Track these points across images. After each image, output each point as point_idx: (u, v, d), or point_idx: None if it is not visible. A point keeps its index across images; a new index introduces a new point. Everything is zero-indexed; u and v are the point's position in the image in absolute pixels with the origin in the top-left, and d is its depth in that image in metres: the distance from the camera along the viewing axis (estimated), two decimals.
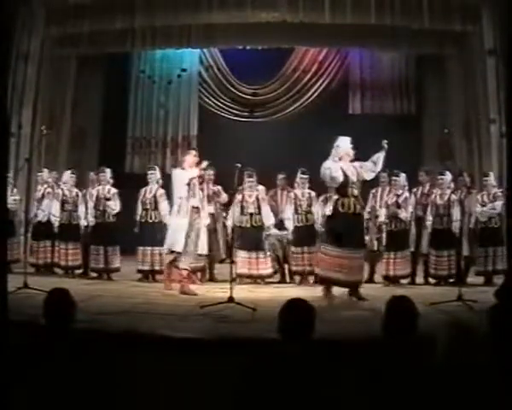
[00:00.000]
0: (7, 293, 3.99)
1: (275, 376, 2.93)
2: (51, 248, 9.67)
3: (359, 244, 7.58)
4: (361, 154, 12.37)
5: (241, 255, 8.86)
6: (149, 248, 9.15)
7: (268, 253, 9.05)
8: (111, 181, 9.52)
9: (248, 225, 8.97)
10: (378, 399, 2.96)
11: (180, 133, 13.78)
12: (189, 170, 7.97)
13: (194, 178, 7.94)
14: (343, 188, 7.55)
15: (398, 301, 3.31)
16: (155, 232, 9.20)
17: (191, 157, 8.04)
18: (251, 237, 8.91)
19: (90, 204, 9.35)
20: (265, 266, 9.01)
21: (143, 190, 9.39)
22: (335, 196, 7.63)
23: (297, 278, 9.23)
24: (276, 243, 9.24)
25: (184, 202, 7.86)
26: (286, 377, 2.93)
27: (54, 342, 3.18)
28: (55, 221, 9.54)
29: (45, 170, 10.14)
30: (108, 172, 9.55)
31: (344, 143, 7.70)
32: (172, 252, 7.99)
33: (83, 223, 9.49)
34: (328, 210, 7.72)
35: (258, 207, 9.04)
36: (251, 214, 9.00)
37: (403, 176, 9.16)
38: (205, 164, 8.00)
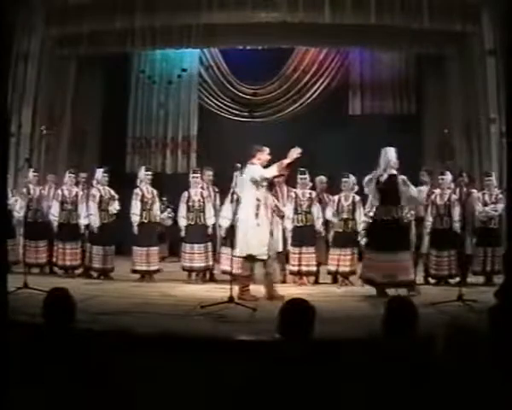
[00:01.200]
0: (7, 293, 3.99)
1: (275, 376, 2.93)
2: (49, 247, 9.66)
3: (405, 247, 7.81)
4: (361, 154, 12.38)
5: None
6: (147, 248, 9.19)
7: None
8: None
9: None
10: (378, 399, 2.96)
11: (180, 133, 13.78)
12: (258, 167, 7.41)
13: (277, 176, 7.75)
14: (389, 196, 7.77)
15: (397, 301, 3.31)
16: (154, 232, 9.25)
17: (265, 155, 7.51)
18: None
19: (93, 205, 9.35)
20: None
21: (139, 190, 9.38)
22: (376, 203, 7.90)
23: (297, 278, 9.21)
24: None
25: (262, 203, 7.38)
26: (286, 377, 2.92)
27: (54, 342, 3.18)
28: (54, 221, 9.51)
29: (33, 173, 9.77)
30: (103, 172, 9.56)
31: (392, 154, 7.80)
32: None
33: (82, 222, 9.50)
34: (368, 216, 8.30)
35: None
36: None
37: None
38: (296, 152, 7.30)
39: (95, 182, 9.52)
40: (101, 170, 9.58)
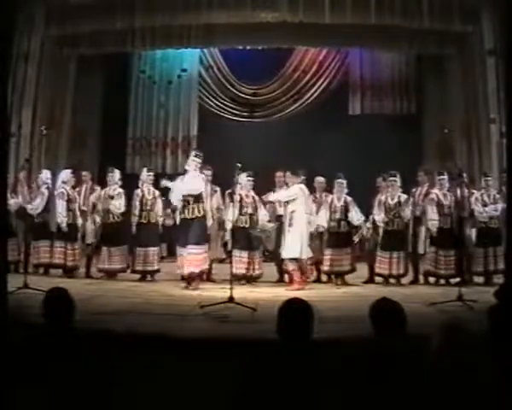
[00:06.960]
0: (7, 293, 3.99)
1: (275, 376, 2.93)
2: (50, 248, 9.62)
3: None
4: (361, 154, 12.36)
5: (238, 255, 8.79)
6: (145, 249, 9.18)
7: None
8: (119, 183, 9.47)
9: (247, 226, 8.91)
10: (378, 399, 2.96)
11: (180, 133, 13.78)
12: None
13: None
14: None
15: (382, 303, 3.30)
16: (154, 233, 9.24)
17: None
18: (249, 237, 8.87)
19: (100, 205, 9.35)
20: (259, 267, 9.01)
21: (140, 190, 9.37)
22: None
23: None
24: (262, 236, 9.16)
25: None
26: (286, 377, 2.92)
27: (54, 342, 3.18)
28: (63, 221, 9.36)
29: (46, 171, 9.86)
30: (117, 173, 9.48)
31: None
32: None
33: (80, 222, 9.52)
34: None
35: (256, 208, 9.02)
36: (250, 215, 8.98)
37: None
38: None
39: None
40: (109, 169, 9.50)
